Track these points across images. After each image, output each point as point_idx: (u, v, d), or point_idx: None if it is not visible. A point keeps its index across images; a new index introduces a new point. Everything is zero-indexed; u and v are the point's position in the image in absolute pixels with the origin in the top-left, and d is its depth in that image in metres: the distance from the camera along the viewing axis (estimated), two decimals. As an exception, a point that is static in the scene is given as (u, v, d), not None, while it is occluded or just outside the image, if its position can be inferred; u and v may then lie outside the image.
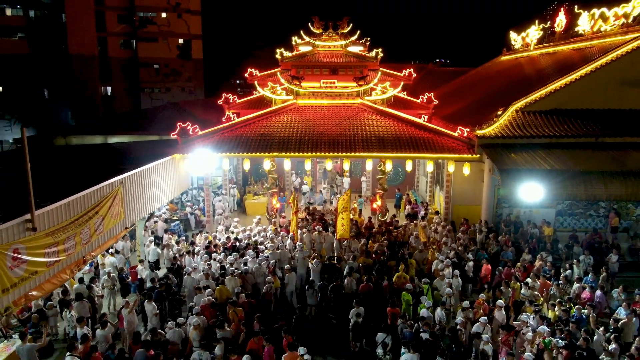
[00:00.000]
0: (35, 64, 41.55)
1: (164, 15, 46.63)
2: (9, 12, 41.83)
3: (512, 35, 30.58)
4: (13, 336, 10.71)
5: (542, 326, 10.59)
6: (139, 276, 14.31)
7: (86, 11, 43.11)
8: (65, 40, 42.96)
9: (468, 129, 17.86)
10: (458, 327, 10.86)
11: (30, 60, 41.35)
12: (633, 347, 10.06)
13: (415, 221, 17.84)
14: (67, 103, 43.74)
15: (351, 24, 26.87)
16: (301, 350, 9.51)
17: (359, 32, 29.03)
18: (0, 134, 40.96)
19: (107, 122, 32.87)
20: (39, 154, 19.65)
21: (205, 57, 50.04)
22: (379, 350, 10.09)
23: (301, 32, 28.61)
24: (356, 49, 28.35)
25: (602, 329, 10.57)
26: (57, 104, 43.18)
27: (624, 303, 12.01)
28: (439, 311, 11.68)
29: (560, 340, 9.86)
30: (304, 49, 27.48)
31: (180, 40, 47.93)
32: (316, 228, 16.72)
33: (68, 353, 9.12)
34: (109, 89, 46.72)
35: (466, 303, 11.57)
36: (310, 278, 13.58)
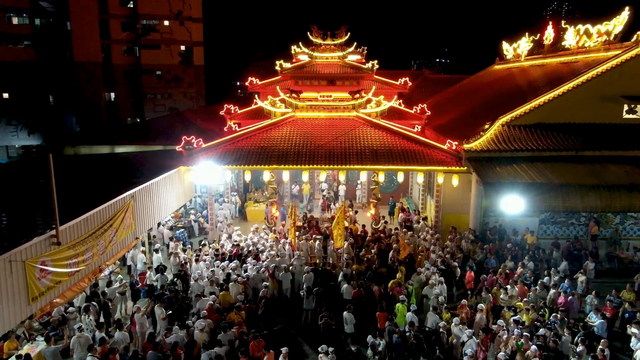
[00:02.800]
0: (41, 71, 42.63)
1: (166, 22, 47.74)
2: (15, 20, 42.92)
3: (505, 45, 31.64)
4: (36, 338, 11.80)
5: (516, 330, 11.69)
6: (147, 282, 15.42)
7: (90, 19, 44.16)
8: (70, 48, 44.03)
9: (456, 142, 18.93)
10: (441, 330, 11.95)
11: (36, 67, 42.44)
12: (598, 349, 11.14)
13: (404, 229, 18.91)
14: (72, 109, 44.82)
15: (349, 33, 27.93)
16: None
17: (355, 43, 30.07)
18: (7, 140, 42.10)
19: (113, 132, 33.98)
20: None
21: (206, 63, 51.17)
22: (369, 352, 11.15)
23: (300, 43, 29.69)
24: (353, 58, 29.44)
25: (566, 331, 11.63)
26: (62, 109, 44.26)
27: (595, 308, 13.11)
28: (430, 317, 12.67)
29: (534, 346, 10.85)
30: (303, 57, 28.56)
31: (182, 47, 49.02)
32: (313, 236, 17.81)
33: (89, 354, 10.21)
34: (112, 94, 47.81)
35: (456, 320, 12.42)
36: (307, 284, 14.61)
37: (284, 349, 10.87)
